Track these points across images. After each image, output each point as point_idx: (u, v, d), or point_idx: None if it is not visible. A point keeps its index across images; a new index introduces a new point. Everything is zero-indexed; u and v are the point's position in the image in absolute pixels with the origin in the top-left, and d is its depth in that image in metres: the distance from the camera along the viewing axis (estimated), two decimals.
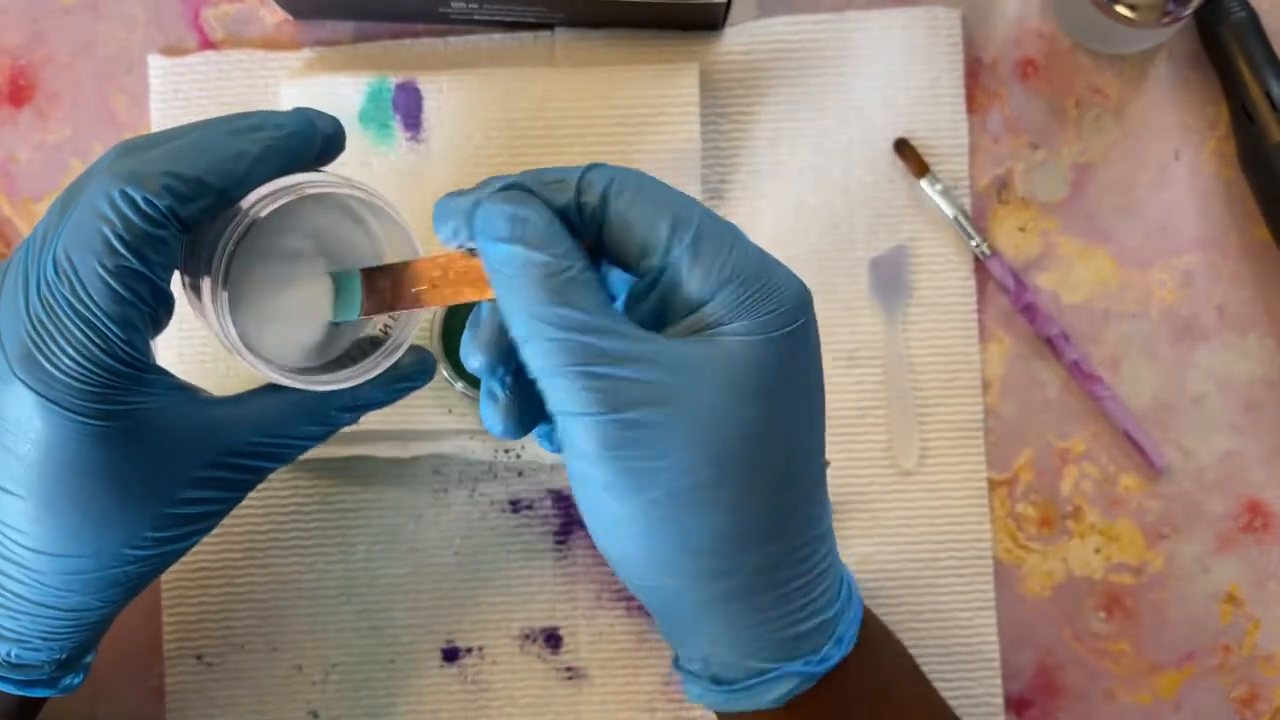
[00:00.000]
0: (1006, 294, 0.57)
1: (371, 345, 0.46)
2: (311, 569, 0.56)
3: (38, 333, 0.39)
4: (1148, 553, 0.57)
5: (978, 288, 0.57)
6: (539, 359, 0.38)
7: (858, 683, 0.42)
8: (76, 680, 0.46)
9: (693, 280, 0.39)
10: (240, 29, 0.58)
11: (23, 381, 0.39)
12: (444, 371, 0.54)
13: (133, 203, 0.39)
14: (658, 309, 0.40)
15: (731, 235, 0.39)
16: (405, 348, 0.45)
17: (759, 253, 0.40)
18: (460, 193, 0.40)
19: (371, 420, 0.54)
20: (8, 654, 0.44)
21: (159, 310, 0.41)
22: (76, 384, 0.39)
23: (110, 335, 0.39)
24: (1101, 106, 0.57)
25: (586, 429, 0.38)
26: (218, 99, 0.57)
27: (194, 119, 0.43)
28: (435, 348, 0.53)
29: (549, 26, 0.57)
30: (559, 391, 0.38)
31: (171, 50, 0.57)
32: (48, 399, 0.39)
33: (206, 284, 0.42)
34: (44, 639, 0.44)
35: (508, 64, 0.57)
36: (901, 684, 0.44)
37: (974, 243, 0.56)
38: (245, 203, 0.42)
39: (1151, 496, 0.57)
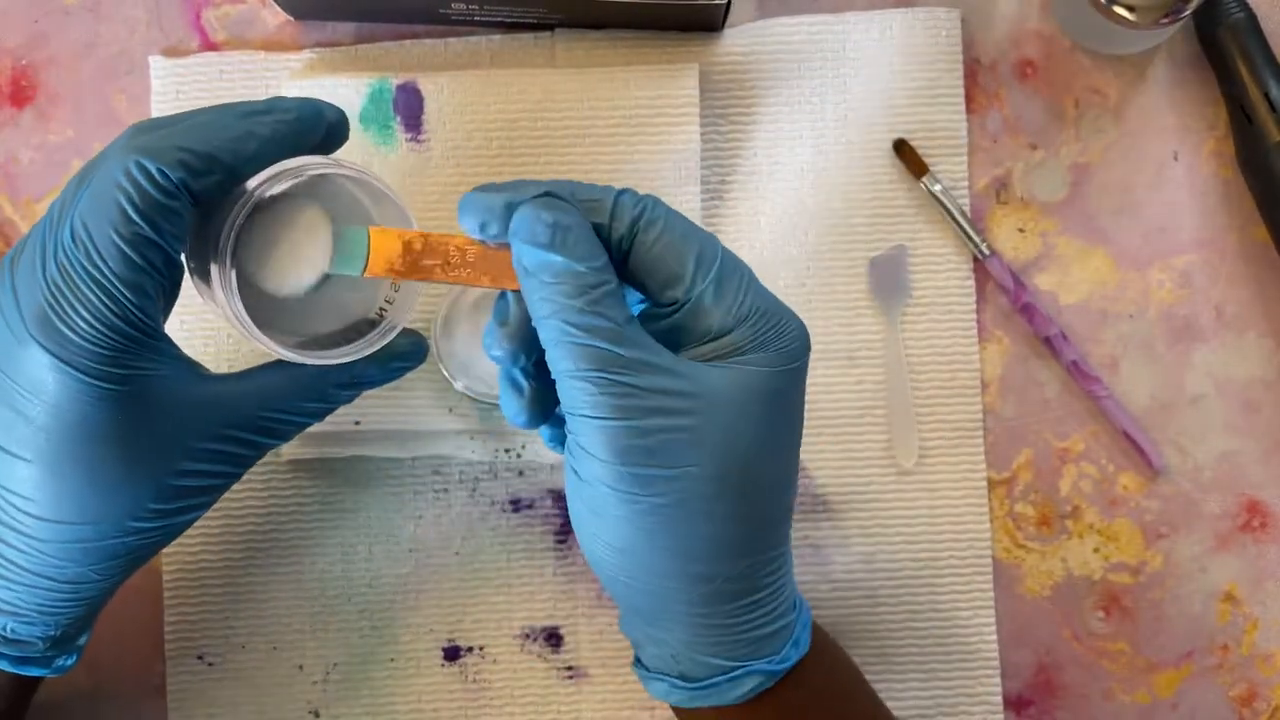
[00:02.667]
0: (1005, 294, 0.57)
1: (369, 326, 0.47)
2: (312, 569, 0.56)
3: (54, 297, 0.40)
4: (1146, 552, 0.57)
5: (977, 288, 0.57)
6: (566, 361, 0.40)
7: (812, 683, 0.45)
8: (69, 661, 0.47)
9: (714, 313, 0.42)
10: (241, 30, 0.58)
11: (39, 343, 0.41)
12: (444, 371, 0.54)
13: (148, 173, 0.40)
14: (671, 332, 0.42)
15: (748, 274, 0.43)
16: (399, 328, 0.47)
17: (770, 293, 0.43)
18: (491, 187, 0.42)
19: (371, 420, 0.55)
20: (3, 627, 0.44)
21: (170, 282, 0.43)
22: (90, 346, 0.41)
23: (124, 300, 0.41)
24: (1100, 107, 0.58)
25: (603, 433, 0.40)
26: (219, 100, 0.56)
27: None
28: (436, 348, 0.54)
29: (549, 27, 0.57)
30: (580, 394, 0.40)
31: (173, 51, 0.57)
32: (62, 360, 0.41)
33: (214, 266, 0.43)
34: (40, 612, 0.44)
35: (508, 65, 0.57)
36: (850, 685, 0.48)
37: (973, 243, 0.56)
38: (251, 184, 0.43)
39: (1150, 496, 0.57)
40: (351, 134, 0.55)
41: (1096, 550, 0.57)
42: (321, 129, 0.45)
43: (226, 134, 0.42)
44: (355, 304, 0.47)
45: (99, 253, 0.40)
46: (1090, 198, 0.57)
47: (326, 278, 0.45)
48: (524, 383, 0.44)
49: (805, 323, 0.44)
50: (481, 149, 0.56)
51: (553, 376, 0.41)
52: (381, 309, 0.47)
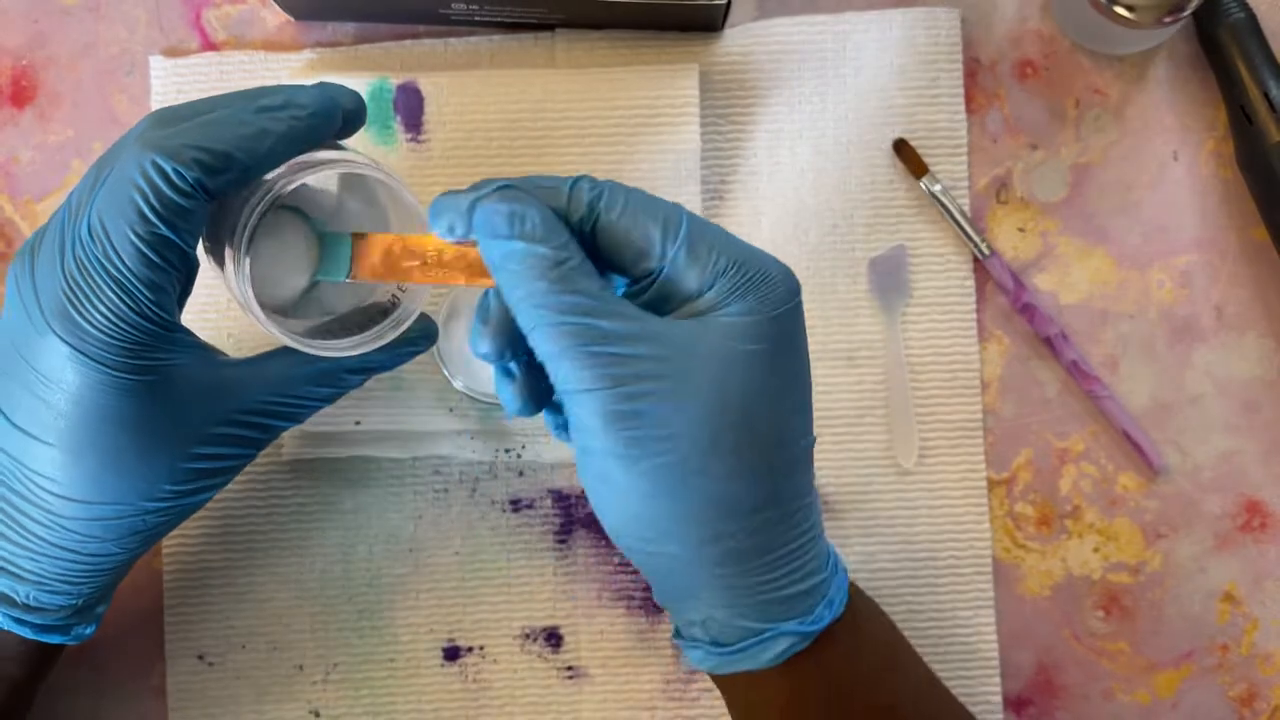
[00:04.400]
0: (1005, 294, 0.57)
1: (381, 314, 0.47)
2: (312, 569, 0.56)
3: (72, 291, 0.41)
4: (1146, 552, 0.57)
5: (977, 288, 0.57)
6: (546, 344, 0.41)
7: (850, 643, 0.45)
8: (88, 630, 0.48)
9: (690, 275, 0.42)
10: (242, 30, 0.58)
11: (58, 335, 0.42)
12: (444, 371, 0.54)
13: (164, 174, 0.41)
14: (653, 304, 0.42)
15: (719, 231, 0.43)
16: (414, 319, 0.47)
17: (747, 245, 0.43)
18: (455, 191, 0.43)
19: (371, 420, 0.55)
20: (27, 596, 0.46)
21: (185, 275, 0.43)
22: (107, 339, 0.42)
23: (140, 296, 0.42)
24: (1101, 107, 0.58)
25: (592, 403, 0.40)
26: None
27: None
28: (436, 348, 0.54)
29: (549, 28, 0.57)
30: (565, 371, 0.41)
31: (173, 51, 0.57)
32: (80, 352, 0.42)
33: (229, 253, 0.44)
34: (63, 581, 0.46)
35: (508, 65, 0.57)
36: (890, 645, 0.47)
37: (973, 243, 0.56)
38: (270, 175, 0.44)
39: (1150, 496, 0.57)
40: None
41: (1096, 550, 0.57)
42: (337, 120, 0.45)
43: (242, 131, 0.43)
44: (370, 289, 0.49)
45: (116, 251, 0.41)
46: (1090, 198, 0.57)
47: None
48: (515, 370, 0.44)
49: (807, 326, 0.44)
50: (481, 149, 0.56)
51: (539, 360, 0.42)
52: (395, 296, 0.48)
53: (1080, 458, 0.57)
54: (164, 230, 0.41)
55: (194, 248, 0.43)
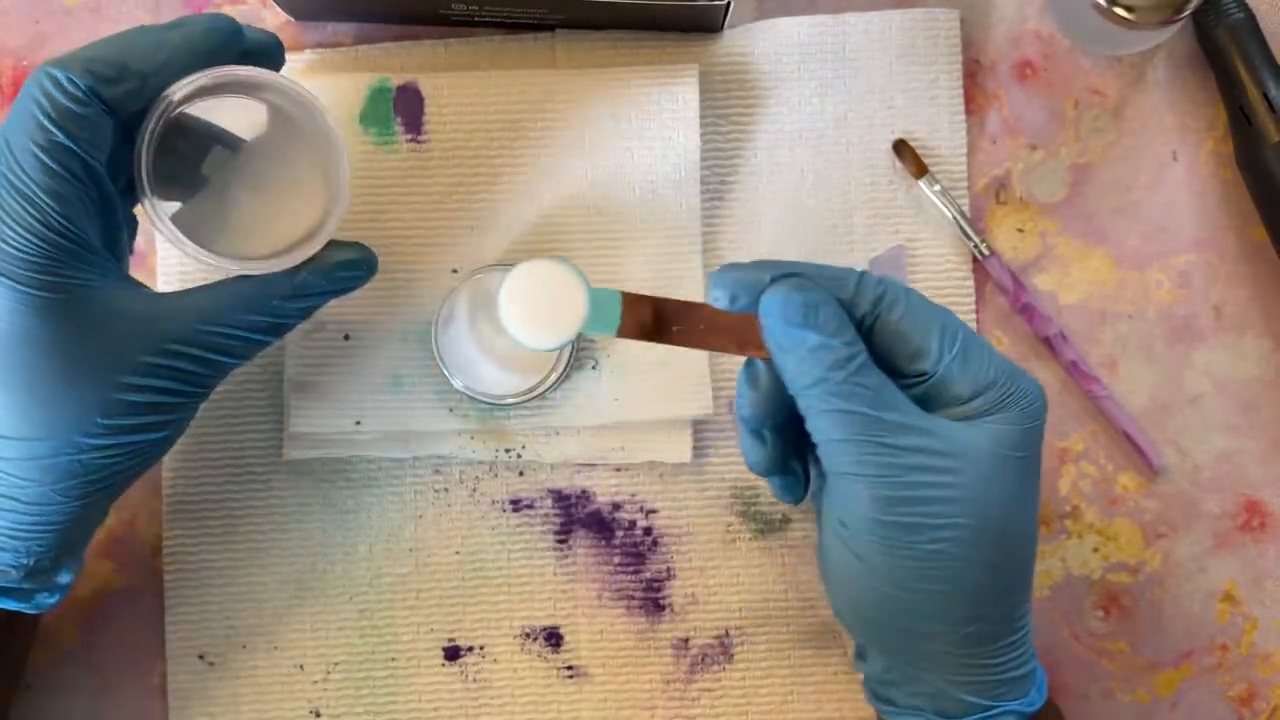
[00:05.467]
0: (1005, 294, 0.57)
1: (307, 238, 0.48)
2: (313, 568, 0.56)
3: None
4: (1145, 552, 0.57)
5: (976, 288, 0.57)
6: (831, 429, 0.44)
7: None
8: (51, 600, 0.48)
9: (961, 383, 0.45)
10: None
11: None
12: (444, 370, 0.54)
13: (57, 82, 0.42)
14: (920, 399, 0.45)
15: (986, 344, 0.46)
16: (326, 237, 0.47)
17: (1007, 360, 0.46)
18: (739, 266, 0.45)
19: (371, 420, 0.55)
20: None
21: (98, 194, 0.44)
22: (18, 254, 0.42)
23: (45, 206, 0.42)
24: (1100, 107, 0.58)
25: (868, 489, 0.43)
26: None
27: None
28: (436, 348, 0.54)
29: (550, 28, 0.57)
30: (845, 457, 0.43)
31: None
32: None
33: (136, 175, 0.45)
34: (7, 536, 0.45)
35: (509, 65, 0.57)
36: None
37: (972, 243, 0.56)
38: (169, 91, 0.45)
39: (1149, 496, 0.57)
40: (352, 135, 0.55)
41: (1096, 550, 0.57)
42: (239, 42, 0.46)
43: (136, 43, 0.44)
44: (300, 222, 0.48)
45: (18, 163, 0.42)
46: (1090, 198, 0.57)
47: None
48: (768, 436, 0.47)
49: None
50: (482, 149, 0.56)
51: (814, 440, 0.44)
52: (320, 222, 0.48)
53: (1080, 458, 0.57)
54: (61, 138, 0.42)
55: (99, 161, 0.43)
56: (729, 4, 0.53)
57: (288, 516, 0.56)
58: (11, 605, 0.47)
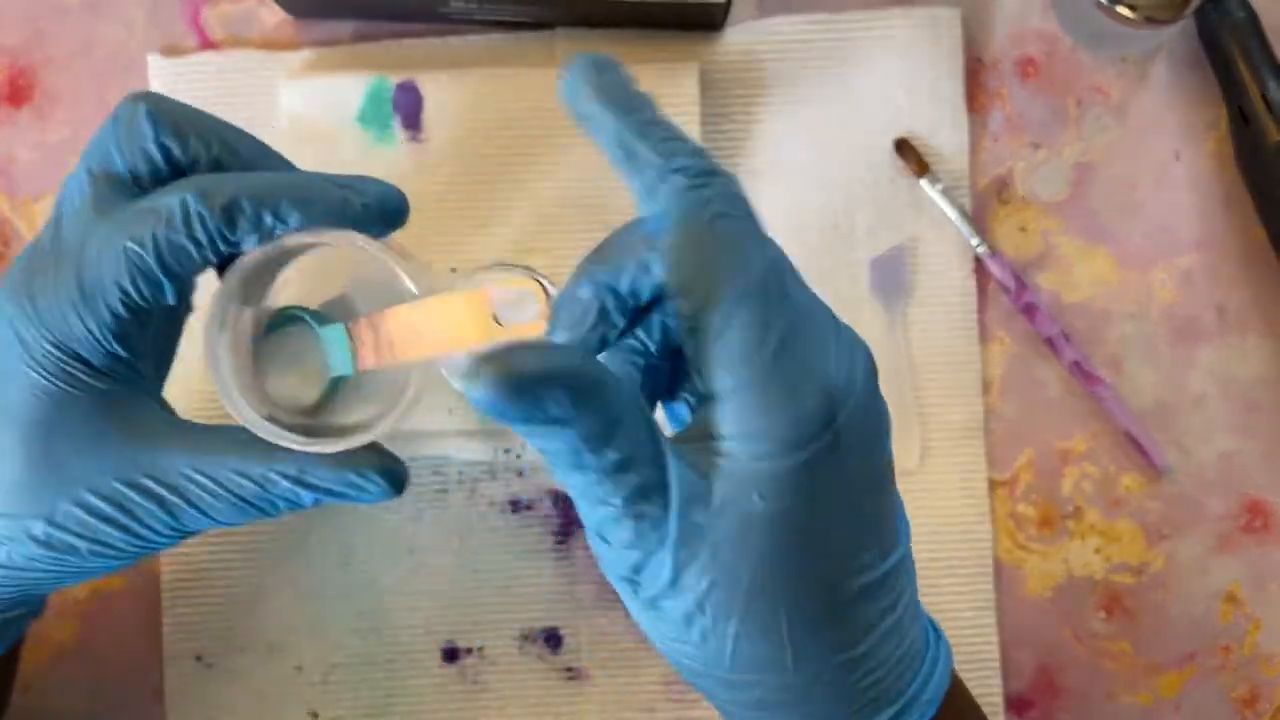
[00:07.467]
0: (1007, 294, 0.57)
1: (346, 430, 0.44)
2: (311, 569, 0.56)
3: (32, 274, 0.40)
4: (1148, 553, 0.57)
5: (978, 288, 0.57)
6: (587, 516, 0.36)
7: None
8: None
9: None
10: (240, 29, 0.57)
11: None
12: (443, 370, 0.54)
13: (187, 215, 0.39)
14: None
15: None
16: (368, 439, 0.42)
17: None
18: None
19: None
20: None
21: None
22: (86, 338, 0.40)
23: (121, 319, 0.40)
24: (1102, 106, 0.57)
25: (628, 595, 0.37)
26: (217, 99, 0.56)
27: None
28: None
29: (549, 26, 0.57)
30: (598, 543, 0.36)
31: (171, 50, 0.57)
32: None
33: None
34: None
35: (508, 64, 0.57)
36: None
37: (974, 242, 0.56)
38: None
39: (1152, 497, 0.57)
40: (350, 133, 0.55)
41: (1098, 551, 0.57)
42: (396, 224, 0.44)
43: (298, 195, 0.41)
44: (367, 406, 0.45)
45: (106, 263, 0.39)
46: (1092, 197, 0.57)
47: (336, 385, 0.46)
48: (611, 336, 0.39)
49: None
50: (481, 148, 0.55)
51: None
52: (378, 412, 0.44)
53: (1082, 458, 0.57)
54: (157, 273, 0.40)
55: (188, 291, 0.42)
56: (729, 2, 0.53)
57: (286, 517, 0.56)
58: None
